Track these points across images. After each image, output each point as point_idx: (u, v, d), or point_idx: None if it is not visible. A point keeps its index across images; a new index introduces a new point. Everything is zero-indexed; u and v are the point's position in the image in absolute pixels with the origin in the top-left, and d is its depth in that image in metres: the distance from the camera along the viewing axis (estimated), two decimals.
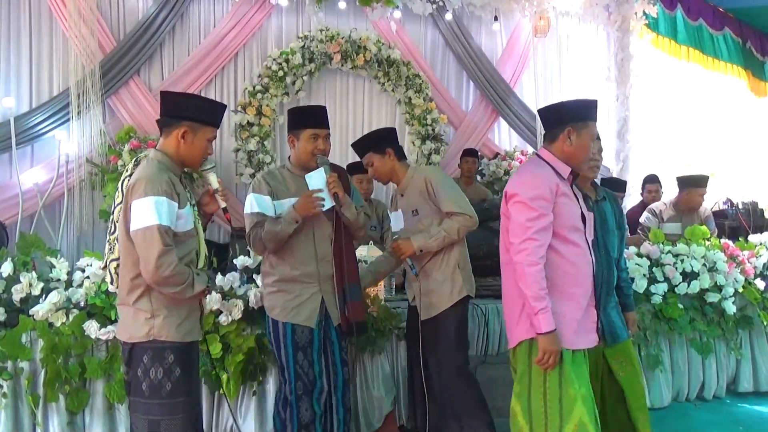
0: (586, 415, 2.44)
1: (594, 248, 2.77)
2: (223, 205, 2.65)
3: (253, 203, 3.02)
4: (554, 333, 2.45)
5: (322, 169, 2.98)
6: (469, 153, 6.35)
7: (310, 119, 3.07)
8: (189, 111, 2.52)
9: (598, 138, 2.96)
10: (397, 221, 3.39)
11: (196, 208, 2.59)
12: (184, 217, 2.44)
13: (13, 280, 3.29)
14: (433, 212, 3.25)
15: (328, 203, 2.96)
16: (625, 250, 4.37)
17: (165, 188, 2.35)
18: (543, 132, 2.76)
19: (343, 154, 6.72)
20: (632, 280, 4.01)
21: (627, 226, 3.12)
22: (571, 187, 2.67)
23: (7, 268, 3.30)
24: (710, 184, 5.32)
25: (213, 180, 2.61)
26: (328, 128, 3.09)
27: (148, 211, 2.31)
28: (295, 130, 3.07)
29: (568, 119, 2.62)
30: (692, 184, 5.20)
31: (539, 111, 2.82)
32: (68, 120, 5.61)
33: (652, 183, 6.08)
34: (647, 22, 7.40)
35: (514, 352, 2.66)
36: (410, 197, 3.32)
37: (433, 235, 3.18)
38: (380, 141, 3.35)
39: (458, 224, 3.16)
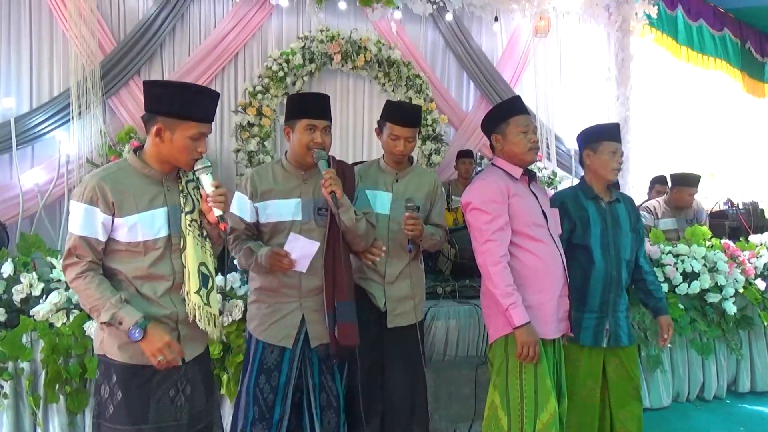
0: (557, 407, 2.61)
1: (604, 249, 2.97)
2: (218, 212, 2.22)
3: (234, 203, 2.73)
4: (529, 325, 2.55)
5: (309, 242, 2.63)
6: (465, 154, 6.32)
7: (307, 108, 2.67)
8: (162, 104, 2.15)
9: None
10: (383, 203, 3.02)
11: (189, 215, 2.25)
12: (125, 227, 2.13)
13: (14, 280, 3.29)
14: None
15: (300, 267, 2.63)
16: None
17: (88, 194, 2.11)
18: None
19: (344, 154, 6.74)
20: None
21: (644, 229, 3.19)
22: (529, 187, 2.80)
23: (8, 268, 3.30)
24: (702, 184, 5.33)
25: (206, 183, 2.22)
26: (330, 119, 2.71)
27: (71, 217, 2.15)
28: (291, 120, 2.70)
29: (490, 127, 2.83)
30: (682, 183, 5.22)
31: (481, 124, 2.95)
32: (69, 120, 5.62)
33: (661, 184, 6.07)
34: (647, 22, 7.41)
35: (491, 347, 2.78)
36: (413, 190, 3.07)
37: (431, 234, 3.04)
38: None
39: (442, 239, 3.11)
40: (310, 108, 2.68)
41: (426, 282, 4.21)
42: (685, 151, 8.46)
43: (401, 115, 3.00)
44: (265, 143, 6.34)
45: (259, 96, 6.30)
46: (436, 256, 4.83)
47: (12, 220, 5.35)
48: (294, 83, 6.50)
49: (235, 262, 3.36)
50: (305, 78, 6.56)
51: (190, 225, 2.24)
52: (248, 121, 6.27)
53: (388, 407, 3.07)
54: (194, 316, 2.22)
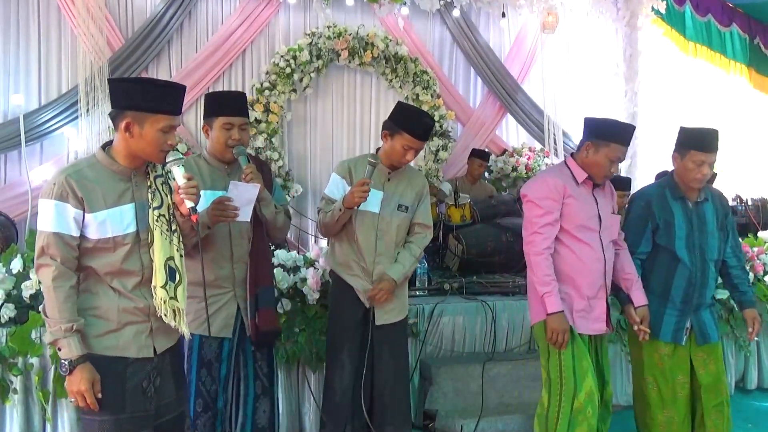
0: (594, 386, 2.81)
1: (690, 251, 3.00)
2: (189, 204, 2.22)
3: None
4: (561, 314, 2.78)
5: (249, 185, 2.65)
6: (480, 155, 6.20)
7: (224, 106, 2.76)
8: (130, 99, 2.16)
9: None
10: (373, 201, 2.98)
11: (156, 211, 2.23)
12: (95, 223, 2.13)
13: (23, 276, 3.31)
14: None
15: (244, 216, 2.65)
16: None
17: (58, 190, 2.10)
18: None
19: (351, 150, 6.75)
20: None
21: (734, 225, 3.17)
22: (592, 191, 2.92)
23: (17, 264, 3.32)
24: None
25: (177, 175, 2.23)
26: (246, 117, 2.81)
27: (41, 215, 2.13)
28: (208, 118, 2.78)
29: (591, 134, 2.89)
30: None
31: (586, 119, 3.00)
32: (77, 117, 5.65)
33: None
34: (656, 17, 7.37)
35: (533, 329, 3.04)
36: (403, 189, 3.09)
37: (408, 266, 3.08)
38: None
39: (426, 242, 3.18)
40: (226, 106, 2.77)
41: (433, 278, 4.24)
42: None
43: (423, 130, 3.00)
44: (273, 139, 6.35)
45: (267, 92, 6.31)
46: (443, 252, 4.83)
47: (21, 216, 5.37)
48: (301, 79, 6.50)
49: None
50: (312, 74, 6.55)
51: (157, 220, 2.23)
52: (255, 118, 6.28)
53: (378, 404, 3.10)
54: (160, 310, 2.22)
